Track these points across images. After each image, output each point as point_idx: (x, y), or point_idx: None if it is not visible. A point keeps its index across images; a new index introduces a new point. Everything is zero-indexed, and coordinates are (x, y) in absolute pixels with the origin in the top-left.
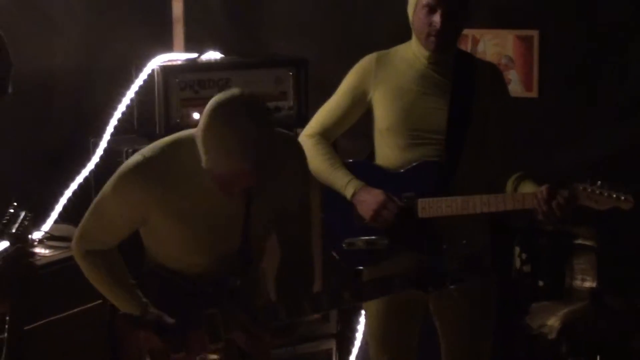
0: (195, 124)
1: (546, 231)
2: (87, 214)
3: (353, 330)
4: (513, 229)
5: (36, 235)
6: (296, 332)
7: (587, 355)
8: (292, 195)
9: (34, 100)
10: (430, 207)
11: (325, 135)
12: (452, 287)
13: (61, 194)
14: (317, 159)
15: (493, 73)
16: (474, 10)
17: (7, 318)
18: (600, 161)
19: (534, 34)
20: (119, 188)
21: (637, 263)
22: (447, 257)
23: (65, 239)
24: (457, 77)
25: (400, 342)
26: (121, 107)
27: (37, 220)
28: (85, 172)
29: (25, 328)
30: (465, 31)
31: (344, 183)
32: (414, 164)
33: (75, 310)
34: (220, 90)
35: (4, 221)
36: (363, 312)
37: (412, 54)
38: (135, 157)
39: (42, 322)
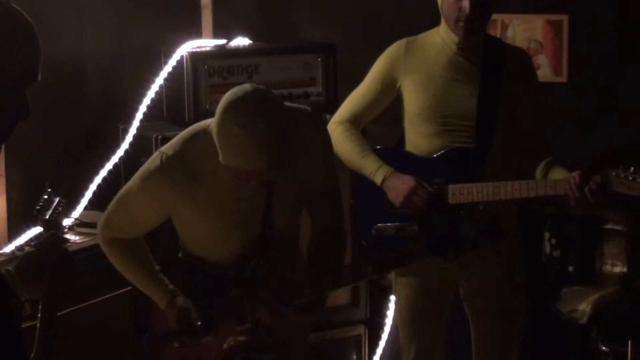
0: None
1: (576, 216)
2: (112, 204)
3: (383, 316)
4: (543, 214)
5: (66, 222)
6: (321, 308)
7: (618, 340)
8: (316, 171)
9: (63, 87)
10: (460, 193)
11: (355, 122)
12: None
13: (91, 180)
14: (346, 146)
15: (522, 58)
16: None
17: (40, 304)
18: (631, 146)
19: (564, 18)
20: (143, 188)
21: None
22: (465, 223)
23: (95, 225)
24: (486, 63)
25: (430, 327)
26: (150, 94)
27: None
28: (114, 159)
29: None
30: (494, 16)
31: (374, 169)
32: (444, 150)
33: (104, 297)
34: (249, 76)
35: (38, 207)
36: (393, 297)
37: (440, 39)
38: (157, 157)
39: (71, 309)
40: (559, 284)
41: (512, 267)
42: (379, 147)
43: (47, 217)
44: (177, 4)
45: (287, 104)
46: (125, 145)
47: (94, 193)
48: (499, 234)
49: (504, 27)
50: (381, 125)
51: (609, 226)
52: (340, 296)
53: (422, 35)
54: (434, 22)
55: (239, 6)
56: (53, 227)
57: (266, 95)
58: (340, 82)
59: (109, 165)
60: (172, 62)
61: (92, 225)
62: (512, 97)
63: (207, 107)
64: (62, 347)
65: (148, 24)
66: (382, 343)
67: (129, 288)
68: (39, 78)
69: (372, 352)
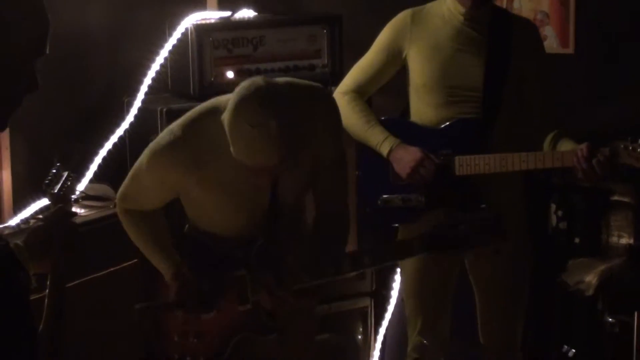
0: (228, 83)
1: (582, 188)
2: (127, 178)
3: (389, 288)
4: (549, 185)
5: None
6: (319, 294)
7: (624, 311)
8: (326, 151)
9: (68, 60)
10: (467, 164)
11: (360, 93)
12: (471, 250)
13: (96, 153)
14: (352, 117)
15: (529, 29)
16: None
17: (48, 278)
18: (638, 117)
19: None
20: (152, 166)
21: None
22: (464, 222)
23: (100, 198)
24: (493, 34)
25: (435, 299)
26: (155, 66)
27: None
28: (119, 132)
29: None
30: None
31: (380, 140)
32: (451, 121)
33: (110, 270)
34: (254, 48)
35: (47, 181)
36: (399, 270)
37: (447, 10)
38: (166, 136)
39: (76, 282)
40: (565, 256)
41: (518, 239)
42: (384, 117)
43: (56, 191)
44: None
45: (297, 81)
46: (130, 118)
47: (99, 166)
48: (500, 234)
49: None
50: (385, 96)
51: (615, 198)
52: None
53: (428, 5)
54: None
55: None
56: (61, 201)
57: (278, 91)
58: (345, 54)
59: (114, 138)
60: (176, 34)
61: (97, 198)
62: (519, 69)
63: (212, 79)
64: (68, 320)
65: None
66: (388, 315)
67: (134, 261)
68: (47, 51)
69: (378, 324)
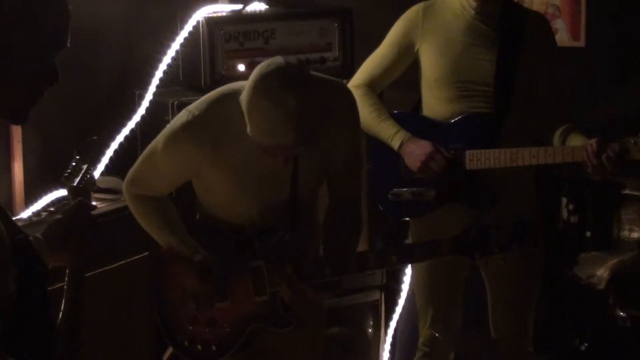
0: (239, 76)
1: (593, 182)
2: (138, 162)
3: (399, 282)
4: (560, 179)
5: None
6: (339, 288)
7: (636, 305)
8: (343, 145)
9: (79, 52)
10: (478, 158)
11: (372, 87)
12: (499, 255)
13: (107, 146)
14: (364, 110)
15: (540, 23)
16: None
17: (67, 271)
18: None
19: None
20: (169, 146)
21: None
22: (495, 227)
23: (112, 191)
24: (505, 28)
25: (446, 292)
26: (166, 59)
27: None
28: (131, 125)
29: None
30: None
31: (391, 134)
32: (462, 115)
33: (121, 262)
34: (265, 42)
35: (66, 174)
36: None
37: (458, 4)
38: (184, 115)
39: (89, 274)
40: (576, 250)
41: None
42: (395, 111)
43: (75, 184)
44: None
45: (318, 74)
46: (141, 111)
47: (111, 159)
48: (530, 239)
49: None
50: (397, 90)
51: (626, 192)
52: None
53: (439, 0)
54: None
55: None
56: (81, 194)
57: (298, 71)
58: (357, 48)
59: (125, 131)
60: (188, 27)
61: (109, 191)
62: (530, 63)
63: (224, 72)
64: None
65: None
66: (398, 309)
67: (145, 254)
68: (68, 44)
69: (388, 317)
